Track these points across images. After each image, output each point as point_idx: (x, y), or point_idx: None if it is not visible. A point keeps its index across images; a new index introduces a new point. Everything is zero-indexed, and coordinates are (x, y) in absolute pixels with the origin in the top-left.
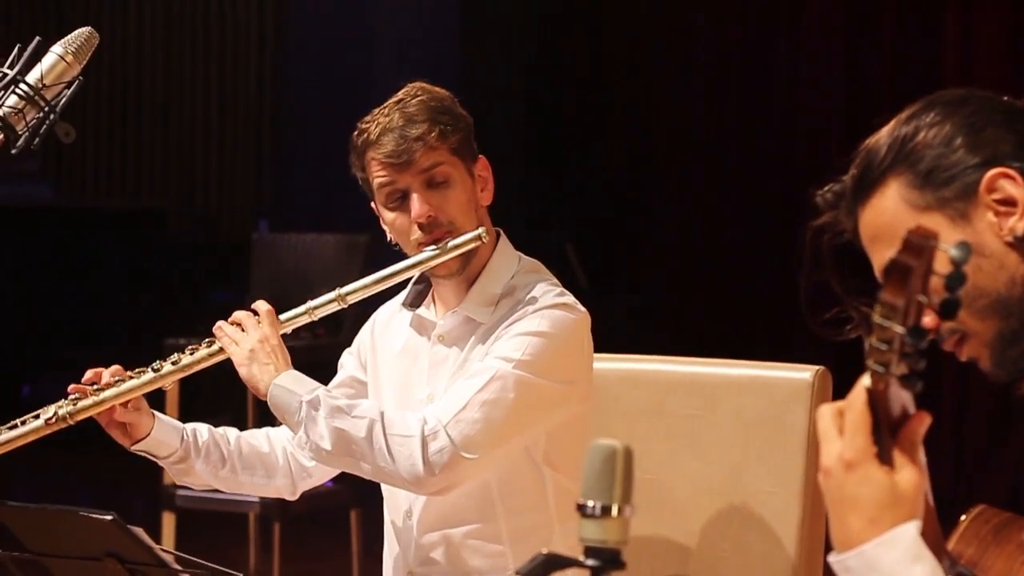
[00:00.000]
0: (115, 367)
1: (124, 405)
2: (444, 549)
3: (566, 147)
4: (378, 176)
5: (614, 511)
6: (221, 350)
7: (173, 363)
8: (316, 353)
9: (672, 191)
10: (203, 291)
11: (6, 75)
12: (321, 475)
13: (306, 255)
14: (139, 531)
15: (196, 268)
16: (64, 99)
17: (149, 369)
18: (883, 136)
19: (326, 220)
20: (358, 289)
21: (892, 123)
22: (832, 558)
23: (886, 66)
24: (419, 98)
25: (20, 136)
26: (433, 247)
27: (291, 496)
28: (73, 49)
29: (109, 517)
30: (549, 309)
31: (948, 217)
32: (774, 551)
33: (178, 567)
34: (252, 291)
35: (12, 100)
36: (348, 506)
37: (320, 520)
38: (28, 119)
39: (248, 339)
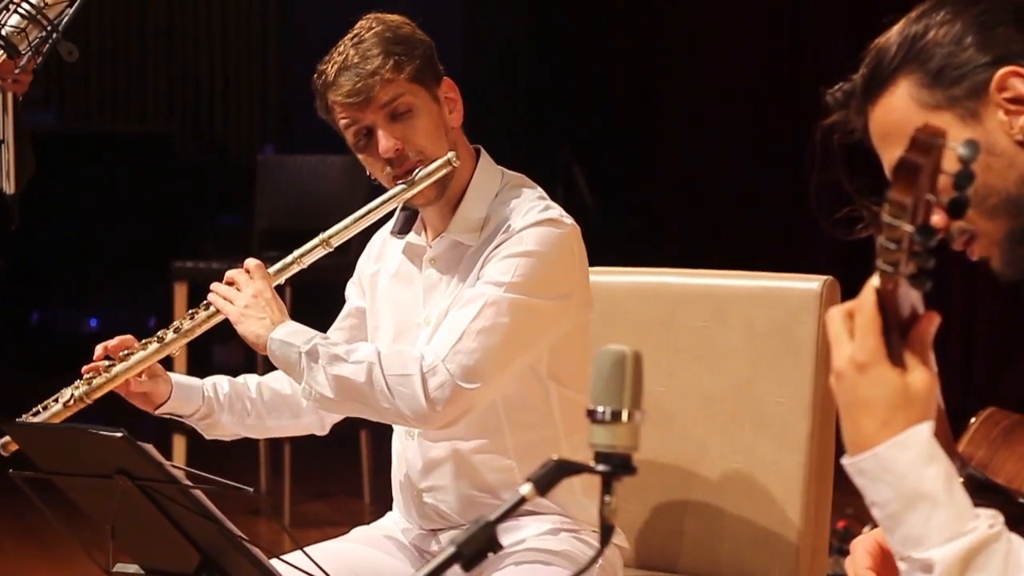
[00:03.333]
0: (123, 338)
1: (138, 376)
2: (450, 466)
3: (570, 68)
4: (341, 118)
5: (624, 416)
6: (217, 312)
7: (176, 330)
8: (324, 272)
9: (677, 105)
10: (209, 214)
11: None
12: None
13: (312, 177)
14: (149, 447)
15: (202, 192)
16: (67, 17)
17: (154, 339)
18: (893, 35)
19: (332, 142)
20: (340, 230)
21: (902, 22)
22: (846, 461)
23: None
24: (373, 30)
25: (23, 56)
26: (403, 182)
27: (321, 432)
28: None
29: (119, 434)
30: (533, 227)
31: (958, 116)
32: (784, 461)
33: (189, 483)
34: (258, 214)
35: (14, 20)
36: (358, 427)
37: (330, 441)
38: (31, 39)
39: (241, 296)
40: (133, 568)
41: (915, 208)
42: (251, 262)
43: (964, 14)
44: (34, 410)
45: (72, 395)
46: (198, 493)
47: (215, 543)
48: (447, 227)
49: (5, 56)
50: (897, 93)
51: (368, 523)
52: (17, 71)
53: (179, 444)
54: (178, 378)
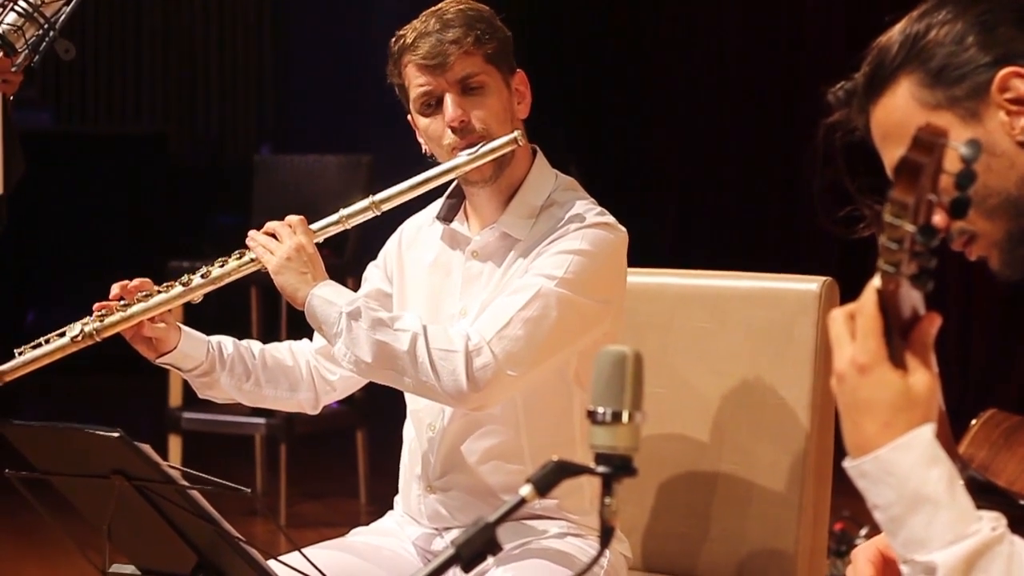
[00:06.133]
0: (141, 280)
1: (151, 320)
2: (465, 464)
3: (566, 67)
4: (414, 80)
5: (624, 417)
6: (252, 261)
7: (203, 276)
8: None
9: (674, 104)
10: (206, 214)
11: None
12: (344, 388)
13: (308, 177)
14: (146, 447)
15: (198, 191)
16: (63, 16)
17: (177, 283)
18: (895, 34)
19: (328, 142)
20: (392, 196)
21: (904, 21)
22: (847, 463)
23: None
24: (458, 7)
25: (20, 53)
26: (467, 152)
27: (313, 410)
28: None
29: (116, 434)
30: (591, 228)
31: (959, 116)
32: (783, 461)
33: (185, 483)
34: (255, 213)
35: (11, 17)
36: (354, 426)
37: (326, 441)
38: (28, 36)
39: (283, 248)
40: (129, 568)
41: (917, 208)
42: (293, 217)
43: (966, 14)
44: (35, 342)
45: (82, 330)
46: (195, 493)
47: (212, 544)
48: (497, 218)
49: (2, 54)
50: (898, 92)
51: (365, 524)
52: (13, 69)
53: (175, 444)
54: (188, 330)
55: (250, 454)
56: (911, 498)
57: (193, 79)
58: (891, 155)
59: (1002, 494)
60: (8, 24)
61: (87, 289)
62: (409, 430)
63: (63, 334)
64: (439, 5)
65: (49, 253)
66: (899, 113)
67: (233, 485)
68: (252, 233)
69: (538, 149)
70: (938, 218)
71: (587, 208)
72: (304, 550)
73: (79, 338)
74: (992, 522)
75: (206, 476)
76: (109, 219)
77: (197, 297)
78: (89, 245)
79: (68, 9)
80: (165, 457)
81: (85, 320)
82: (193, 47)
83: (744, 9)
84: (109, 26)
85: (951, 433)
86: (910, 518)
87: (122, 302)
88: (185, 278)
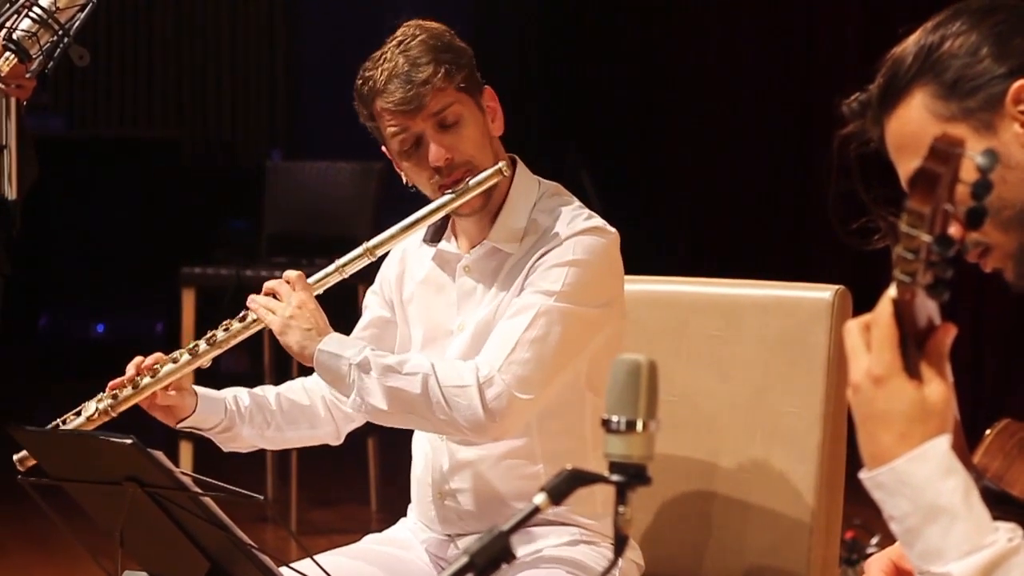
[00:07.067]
0: (155, 356)
1: (165, 388)
2: (478, 470)
3: (580, 72)
4: (390, 125)
5: (639, 426)
6: (255, 322)
7: (209, 342)
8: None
9: (688, 112)
10: (218, 220)
11: None
12: (363, 417)
13: (320, 183)
14: (159, 454)
15: (210, 196)
16: (78, 22)
17: (185, 351)
18: (909, 45)
19: (340, 147)
20: (385, 240)
21: (918, 32)
22: (863, 474)
23: None
24: (419, 38)
25: (35, 60)
26: (452, 191)
27: (336, 441)
28: None
29: (129, 441)
30: (580, 236)
31: (973, 128)
32: (795, 471)
33: (198, 490)
34: (266, 219)
35: (26, 24)
36: (365, 434)
37: (337, 449)
38: (42, 43)
39: (284, 307)
40: (141, 575)
41: (933, 218)
42: (291, 273)
43: (980, 25)
44: (53, 424)
45: (96, 408)
46: (207, 500)
47: (224, 550)
48: (485, 235)
49: (16, 60)
50: (912, 104)
51: (377, 531)
52: (28, 75)
53: (186, 451)
54: (203, 391)
55: (261, 461)
56: (927, 509)
57: (205, 84)
58: (905, 167)
59: (1017, 504)
60: (23, 30)
61: (99, 294)
62: (420, 437)
63: (79, 413)
64: (398, 35)
65: (62, 257)
66: (913, 125)
67: (245, 492)
68: (252, 297)
69: (517, 158)
70: (954, 229)
71: (574, 215)
72: (316, 557)
73: (95, 416)
74: (1008, 533)
75: (218, 483)
76: (121, 223)
77: (206, 362)
78: (101, 250)
79: (83, 16)
80: (177, 464)
81: (99, 397)
82: (205, 52)
83: (757, 18)
84: (122, 32)
85: (966, 443)
86: (926, 529)
87: (136, 377)
88: (192, 345)
